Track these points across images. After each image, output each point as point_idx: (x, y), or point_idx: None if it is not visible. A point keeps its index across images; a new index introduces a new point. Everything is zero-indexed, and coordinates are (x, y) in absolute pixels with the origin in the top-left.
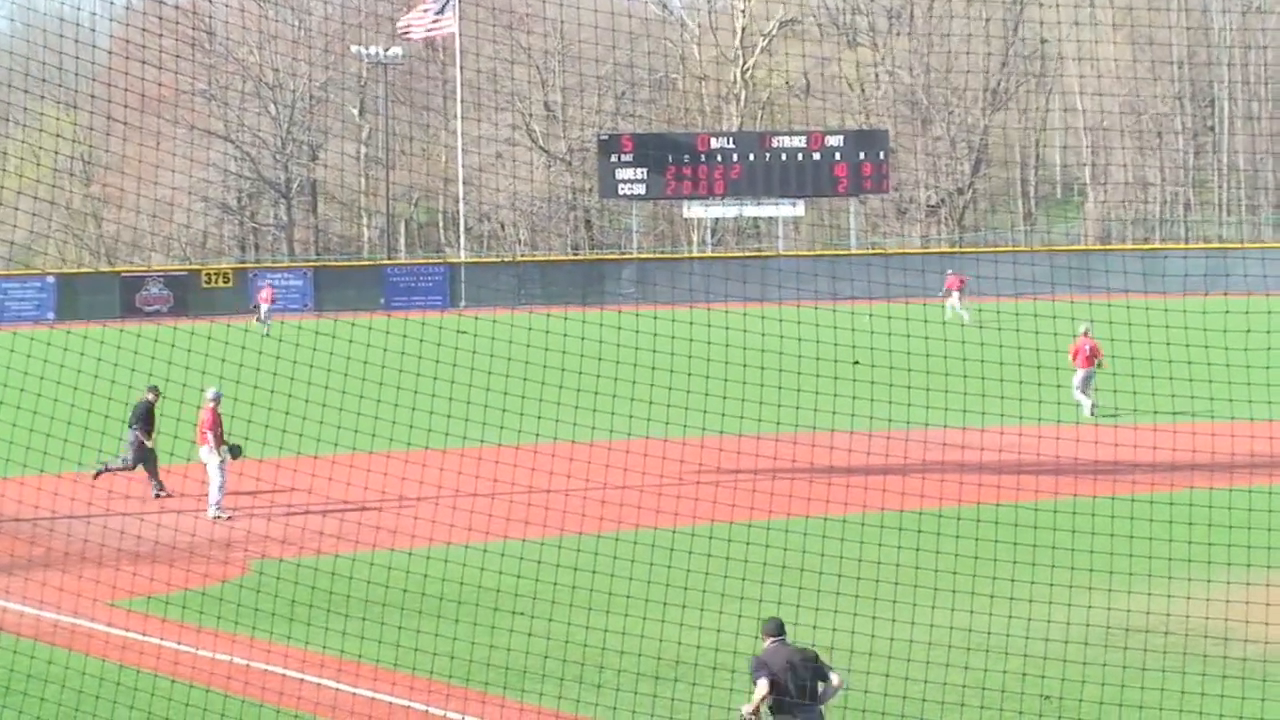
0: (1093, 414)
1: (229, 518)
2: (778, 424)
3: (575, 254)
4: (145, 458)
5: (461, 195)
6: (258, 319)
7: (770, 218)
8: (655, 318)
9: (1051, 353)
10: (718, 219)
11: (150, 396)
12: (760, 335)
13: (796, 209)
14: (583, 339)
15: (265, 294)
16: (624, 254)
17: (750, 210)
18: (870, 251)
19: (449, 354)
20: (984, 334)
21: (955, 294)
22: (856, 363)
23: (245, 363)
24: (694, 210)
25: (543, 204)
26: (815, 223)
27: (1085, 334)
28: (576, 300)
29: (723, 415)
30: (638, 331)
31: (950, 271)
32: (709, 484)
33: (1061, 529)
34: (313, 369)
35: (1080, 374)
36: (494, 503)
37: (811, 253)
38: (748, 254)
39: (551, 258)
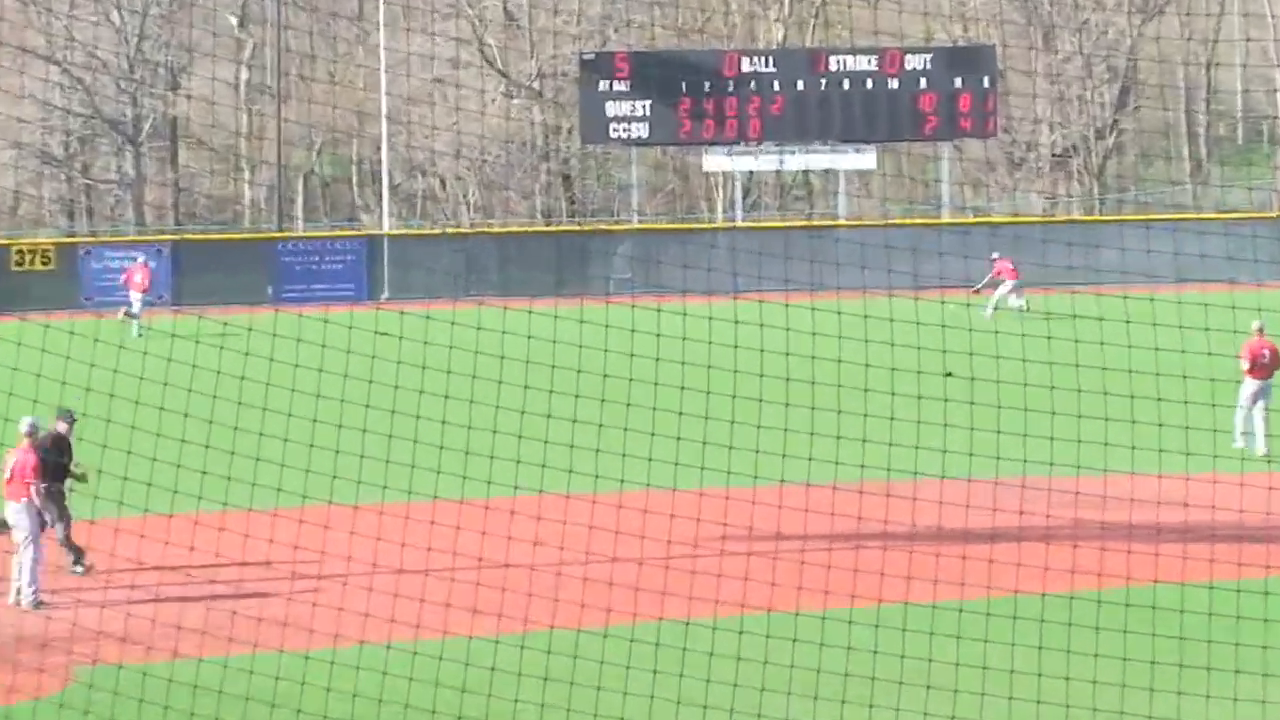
0: (1265, 448)
1: (46, 605)
2: (836, 465)
3: (548, 224)
4: (64, 514)
5: (385, 140)
6: (126, 314)
7: (827, 172)
8: (660, 313)
9: (1223, 358)
10: (751, 174)
11: (62, 426)
12: (810, 337)
13: (864, 159)
14: (555, 343)
15: (139, 277)
16: (617, 224)
17: (798, 161)
18: (969, 220)
19: (364, 367)
20: (1131, 333)
21: (1009, 283)
22: (949, 374)
23: (73, 380)
24: (718, 161)
25: (500, 152)
26: (892, 177)
27: (1260, 333)
28: (549, 289)
29: (756, 454)
30: (634, 331)
31: (997, 256)
32: (738, 554)
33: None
34: (167, 389)
35: (1251, 387)
36: (429, 583)
37: (885, 221)
38: (795, 223)
39: (514, 229)
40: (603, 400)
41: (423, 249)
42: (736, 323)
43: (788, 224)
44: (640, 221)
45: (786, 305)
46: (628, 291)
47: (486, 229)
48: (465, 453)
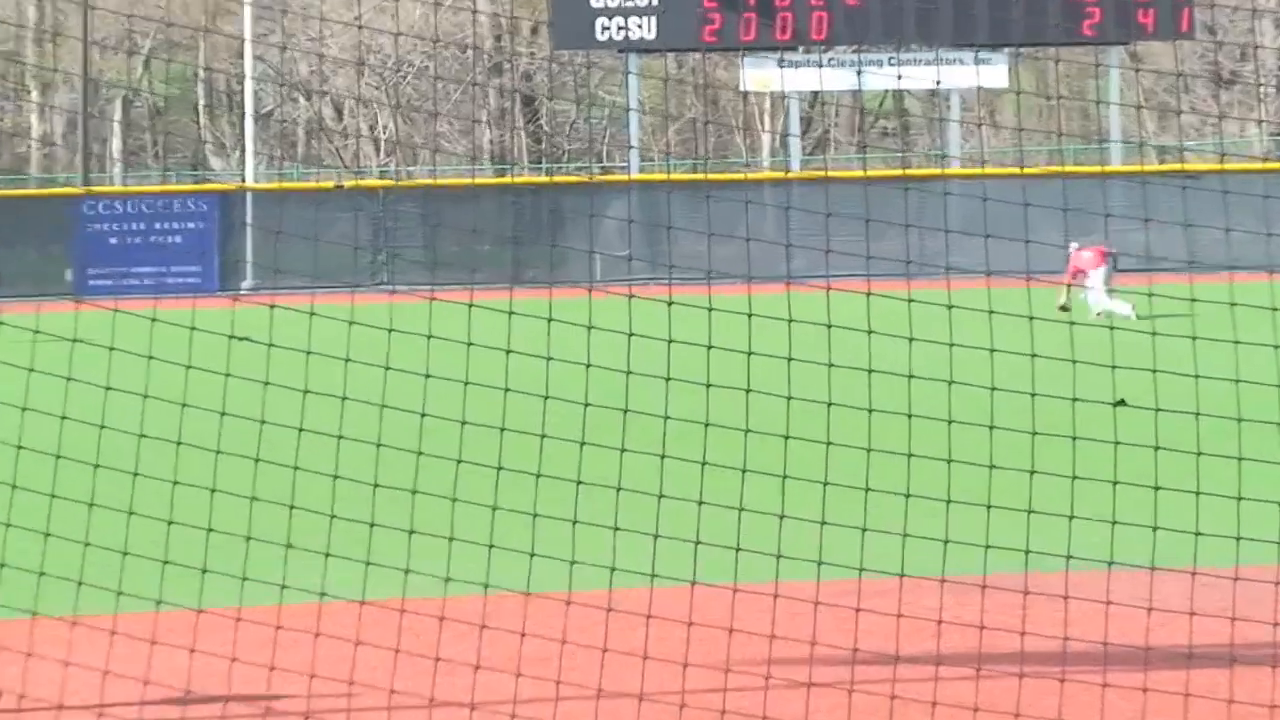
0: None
1: None
2: (945, 546)
3: (502, 173)
4: None
5: (249, 42)
6: None
7: (933, 94)
8: (671, 306)
9: None
10: (815, 96)
11: None
12: (905, 345)
13: (990, 73)
14: (509, 354)
15: None
16: (607, 172)
17: (887, 78)
18: (1150, 168)
19: (213, 395)
20: None
21: (1098, 274)
22: (1121, 403)
23: None
24: (763, 77)
25: (427, 62)
26: (1030, 100)
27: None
28: (503, 273)
29: (821, 529)
30: (631, 336)
31: (1075, 246)
32: (790, 685)
33: None
34: None
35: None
36: None
37: (1017, 171)
38: (882, 173)
39: (449, 181)
40: (582, 445)
41: (305, 211)
42: (790, 323)
43: (871, 174)
44: (643, 170)
45: (869, 296)
46: (624, 276)
47: (406, 181)
48: (369, 526)
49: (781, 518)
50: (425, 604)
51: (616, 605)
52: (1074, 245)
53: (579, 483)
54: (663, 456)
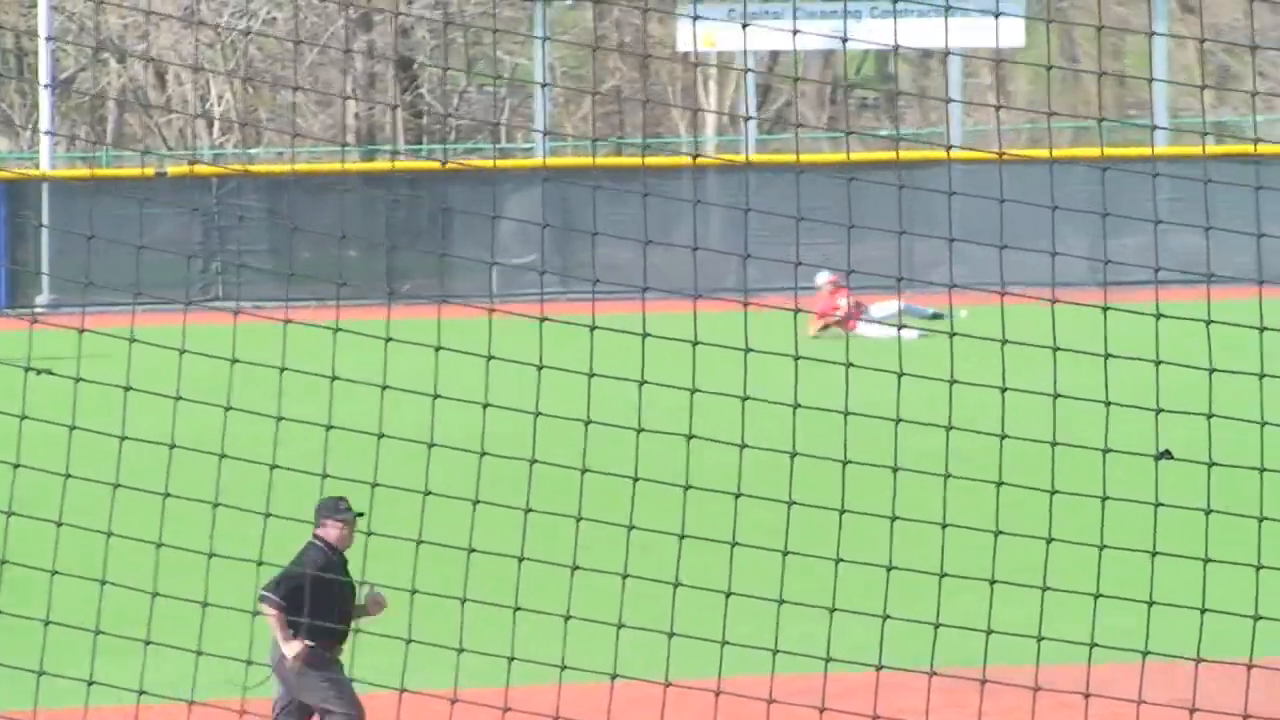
0: None
1: None
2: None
3: (372, 156)
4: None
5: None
6: None
7: (926, 56)
8: (594, 333)
9: None
10: (774, 58)
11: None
12: (890, 383)
13: (1003, 30)
14: (384, 391)
15: None
16: (503, 156)
17: (867, 33)
18: (1206, 151)
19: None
20: None
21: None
22: (1165, 455)
23: None
24: (706, 32)
25: (275, 14)
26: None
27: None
28: (372, 288)
29: (778, 609)
30: (541, 368)
31: (830, 279)
32: None
33: None
34: None
35: None
36: None
37: (1042, 152)
38: (863, 156)
39: (301, 167)
40: (475, 501)
41: (119, 207)
42: (748, 354)
43: (847, 156)
44: (554, 154)
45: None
46: (529, 291)
47: (245, 167)
48: (228, 611)
49: (728, 595)
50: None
51: (515, 704)
52: (830, 278)
53: (470, 550)
54: (578, 519)
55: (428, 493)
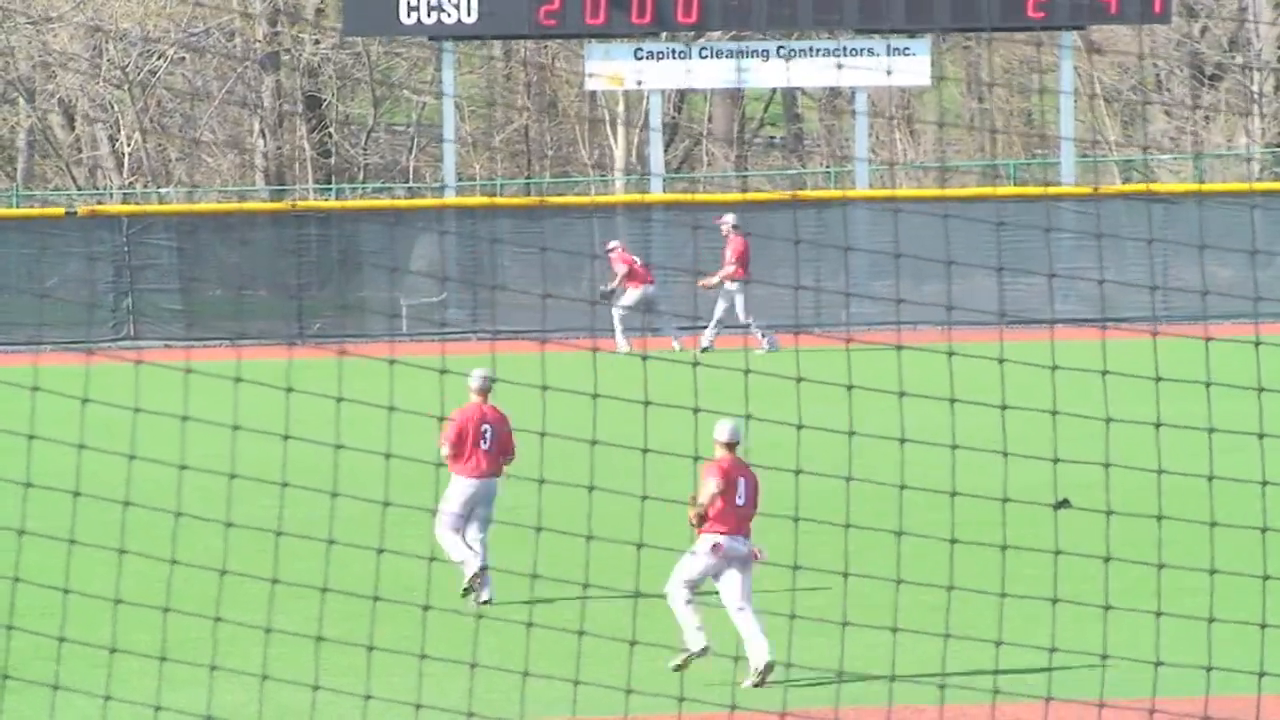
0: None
1: None
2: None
3: (279, 196)
4: None
5: None
6: None
7: (834, 94)
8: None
9: None
10: (683, 98)
11: None
12: (788, 420)
13: (909, 66)
14: (287, 438)
15: None
16: (416, 195)
17: (776, 73)
18: (1113, 190)
19: None
20: None
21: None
22: (1063, 503)
23: None
24: (613, 70)
25: (180, 54)
26: (959, 110)
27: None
28: (279, 326)
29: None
30: (441, 419)
31: (616, 246)
32: None
33: None
34: None
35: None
36: None
37: (944, 192)
38: (768, 196)
39: (213, 207)
40: (380, 550)
41: (27, 246)
42: (646, 406)
43: (755, 197)
44: (461, 193)
45: (745, 357)
46: (438, 331)
47: (159, 206)
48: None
49: (633, 643)
50: None
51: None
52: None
53: (390, 602)
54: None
55: (331, 541)
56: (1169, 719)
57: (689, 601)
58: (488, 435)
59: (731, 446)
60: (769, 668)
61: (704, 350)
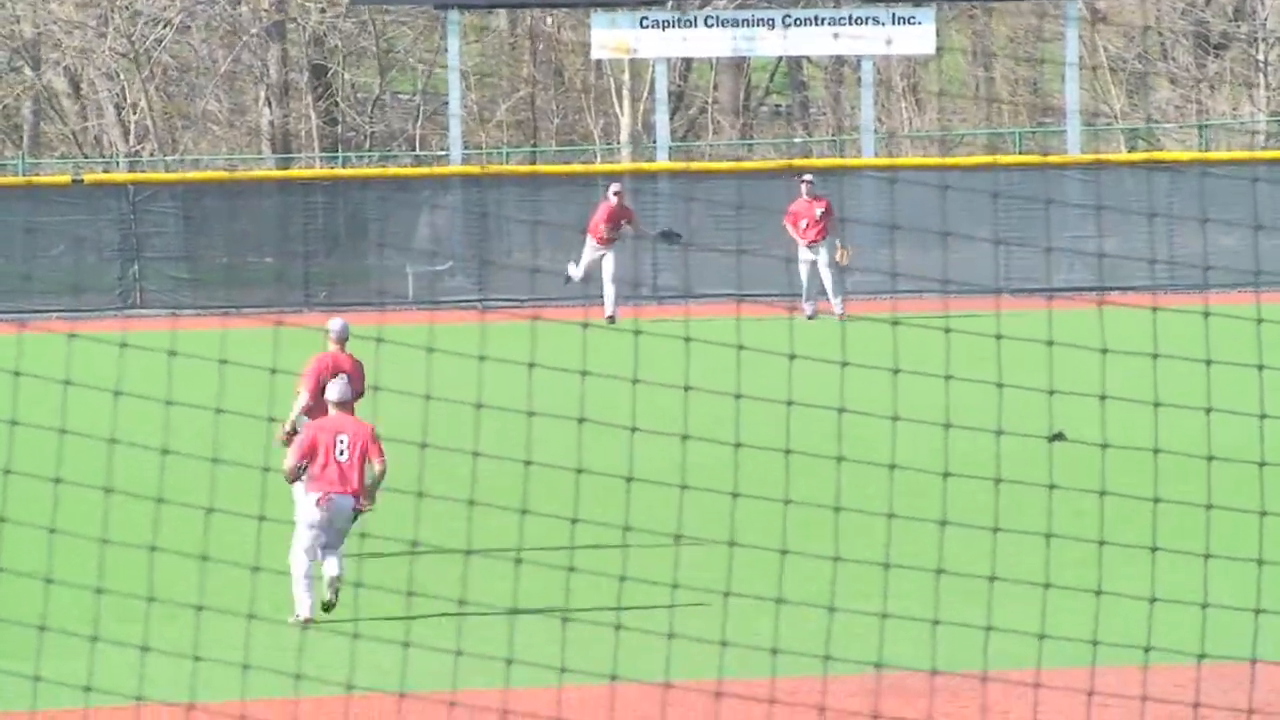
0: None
1: None
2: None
3: (286, 165)
4: None
5: None
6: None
7: (838, 61)
8: (483, 353)
9: None
10: (688, 66)
11: None
12: (780, 399)
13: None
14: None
15: None
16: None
17: (779, 41)
18: (1114, 158)
19: None
20: None
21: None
22: (1059, 436)
23: None
24: (618, 39)
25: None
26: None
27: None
28: (292, 293)
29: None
30: (429, 400)
31: (805, 182)
32: None
33: None
34: None
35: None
36: None
37: (946, 161)
38: (764, 165)
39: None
40: (419, 493)
41: (34, 210)
42: (693, 344)
43: (759, 165)
44: (467, 161)
45: (747, 321)
46: (439, 297)
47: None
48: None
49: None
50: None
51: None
52: (806, 181)
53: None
54: (519, 509)
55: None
56: (1102, 697)
57: (307, 575)
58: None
59: (341, 405)
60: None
61: (842, 317)
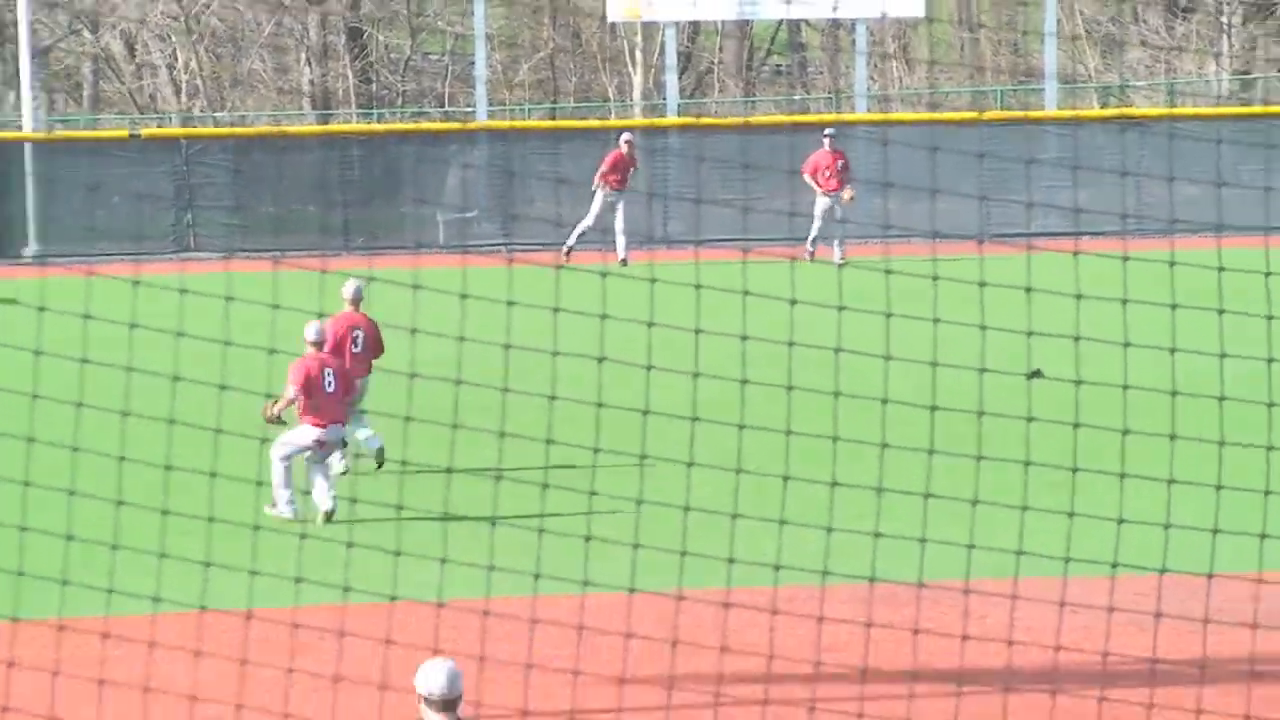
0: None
1: None
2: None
3: (326, 120)
4: None
5: None
6: None
7: (834, 26)
8: (511, 298)
9: None
10: (696, 29)
11: None
12: (783, 340)
13: (904, 3)
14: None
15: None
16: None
17: (779, 7)
18: (1091, 114)
19: (18, 370)
20: None
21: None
22: (1037, 374)
23: None
24: (629, 4)
25: None
26: (950, 42)
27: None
28: (332, 239)
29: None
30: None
31: (828, 136)
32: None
33: None
34: None
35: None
36: None
37: (935, 116)
38: (766, 120)
39: (266, 130)
40: (466, 426)
41: (96, 165)
42: (702, 291)
43: (759, 120)
44: (492, 116)
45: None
46: (467, 243)
47: (208, 129)
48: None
49: (681, 521)
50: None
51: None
52: (828, 135)
53: (451, 472)
54: (549, 441)
55: (408, 419)
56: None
57: (287, 468)
58: (359, 339)
59: (317, 345)
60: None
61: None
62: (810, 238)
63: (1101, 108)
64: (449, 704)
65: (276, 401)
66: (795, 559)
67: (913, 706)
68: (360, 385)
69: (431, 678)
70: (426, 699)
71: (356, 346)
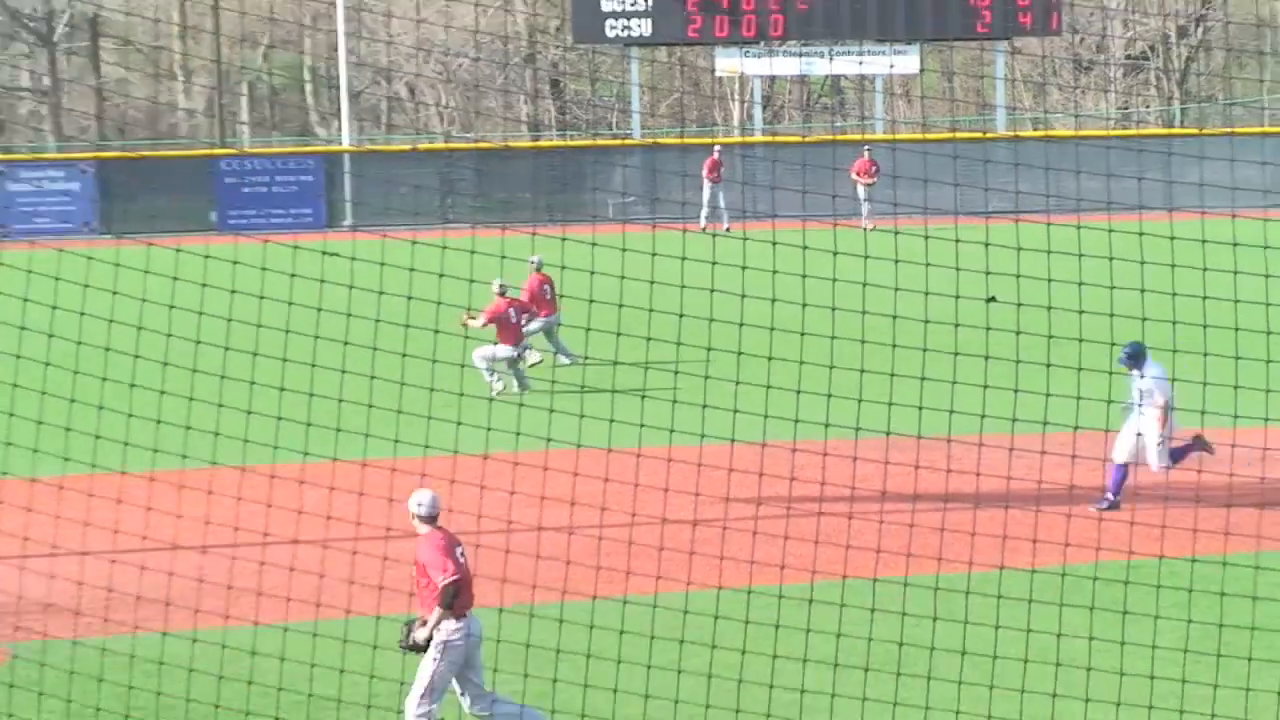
0: None
1: None
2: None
3: (536, 138)
4: None
5: (343, 43)
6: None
7: (861, 78)
8: (654, 251)
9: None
10: (773, 80)
11: None
12: (829, 278)
13: (906, 62)
14: (565, 270)
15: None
16: (616, 137)
17: (826, 65)
18: (1028, 134)
19: (339, 298)
20: (1209, 256)
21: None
22: (992, 299)
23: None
24: (731, 64)
25: (475, 53)
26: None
27: None
28: (537, 213)
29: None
30: (624, 271)
31: (868, 149)
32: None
33: None
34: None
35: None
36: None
37: (926, 136)
38: (818, 139)
39: (495, 145)
40: (588, 331)
41: (388, 168)
42: (744, 264)
43: (813, 139)
44: (643, 135)
45: (806, 237)
46: (629, 215)
47: (461, 145)
48: (452, 392)
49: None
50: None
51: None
52: (867, 151)
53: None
54: (645, 369)
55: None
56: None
57: (487, 368)
58: (548, 291)
59: (502, 292)
60: None
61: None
62: (864, 214)
63: (1034, 129)
64: (432, 518)
65: (475, 317)
66: (838, 419)
67: (914, 517)
68: (557, 318)
69: (422, 498)
70: (417, 514)
71: (548, 295)
